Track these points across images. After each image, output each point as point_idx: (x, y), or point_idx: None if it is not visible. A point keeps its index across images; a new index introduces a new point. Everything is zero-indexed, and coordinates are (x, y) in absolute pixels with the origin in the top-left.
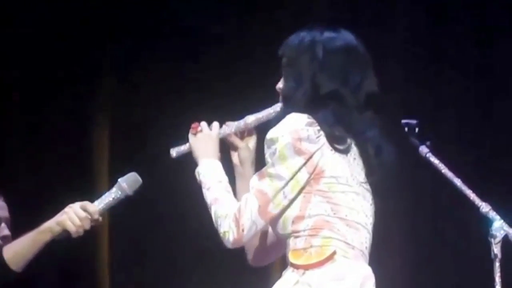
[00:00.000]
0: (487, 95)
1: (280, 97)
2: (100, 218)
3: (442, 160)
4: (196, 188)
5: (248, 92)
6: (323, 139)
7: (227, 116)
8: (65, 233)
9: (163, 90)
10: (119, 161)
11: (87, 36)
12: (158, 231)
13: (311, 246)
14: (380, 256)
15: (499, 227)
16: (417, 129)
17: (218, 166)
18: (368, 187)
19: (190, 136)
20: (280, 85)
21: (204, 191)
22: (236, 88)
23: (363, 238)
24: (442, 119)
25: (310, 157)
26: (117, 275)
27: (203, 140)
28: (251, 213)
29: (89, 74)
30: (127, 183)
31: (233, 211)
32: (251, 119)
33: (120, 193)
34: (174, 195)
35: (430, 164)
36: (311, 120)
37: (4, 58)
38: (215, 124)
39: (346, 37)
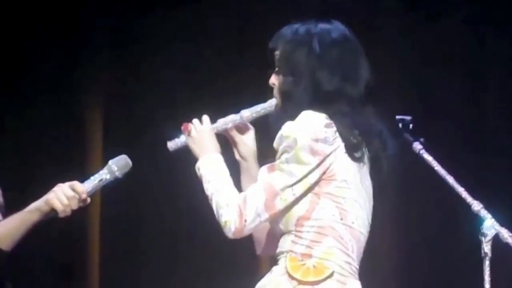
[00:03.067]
0: (481, 92)
1: (276, 92)
2: (88, 199)
3: (435, 157)
4: (189, 173)
5: (243, 87)
6: (338, 141)
7: (222, 108)
8: (53, 212)
9: (158, 76)
10: (113, 147)
11: (80, 26)
12: (150, 218)
13: (311, 257)
14: (369, 251)
15: (490, 225)
16: (411, 126)
17: (218, 159)
18: (371, 192)
19: (185, 136)
20: (273, 80)
21: (205, 184)
22: (233, 82)
23: (361, 249)
24: (435, 116)
25: (324, 159)
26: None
27: (199, 137)
28: (257, 205)
29: (83, 61)
30: (117, 165)
31: (236, 201)
32: (246, 113)
33: (109, 175)
34: (169, 180)
35: (423, 161)
36: (329, 121)
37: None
38: (205, 118)
39: (340, 28)
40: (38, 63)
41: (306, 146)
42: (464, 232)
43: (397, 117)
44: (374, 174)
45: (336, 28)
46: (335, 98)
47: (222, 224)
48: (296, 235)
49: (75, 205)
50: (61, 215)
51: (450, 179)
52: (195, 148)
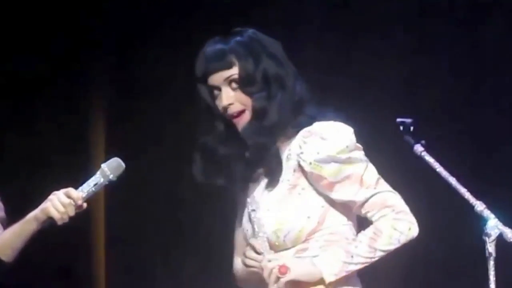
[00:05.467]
0: (482, 93)
1: (247, 112)
2: (85, 204)
3: (436, 158)
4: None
5: None
6: None
7: None
8: (50, 220)
9: (161, 73)
10: (115, 147)
11: (83, 22)
12: (153, 218)
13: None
14: None
15: (493, 225)
16: (412, 128)
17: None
18: None
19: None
20: (232, 99)
21: (355, 263)
22: None
23: None
24: (436, 118)
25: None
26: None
27: (297, 266)
28: (396, 198)
29: (86, 58)
30: (110, 168)
31: (387, 212)
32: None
33: (102, 179)
34: (170, 179)
35: (424, 162)
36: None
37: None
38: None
39: (259, 32)
40: (41, 63)
41: (358, 153)
42: (468, 233)
43: (398, 119)
44: None
45: (257, 32)
46: (306, 100)
47: (408, 234)
48: (302, 248)
49: (72, 212)
50: (59, 222)
51: (453, 180)
52: (304, 273)
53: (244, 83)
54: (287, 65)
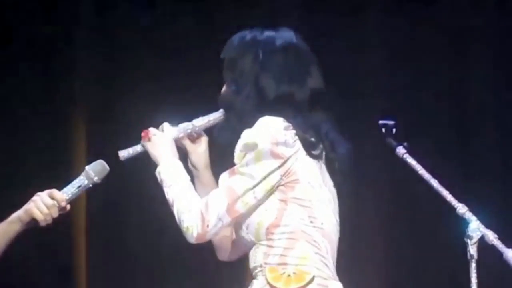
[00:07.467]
0: (464, 95)
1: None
2: (68, 206)
3: (419, 161)
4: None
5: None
6: (298, 144)
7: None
8: (34, 221)
9: (140, 81)
10: (96, 152)
11: (60, 29)
12: (135, 222)
13: (287, 264)
14: (354, 255)
15: (475, 228)
16: (394, 130)
17: (179, 165)
18: (335, 192)
19: (144, 143)
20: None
21: (166, 189)
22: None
23: (335, 249)
24: (418, 120)
25: (285, 161)
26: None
27: (159, 143)
28: (218, 210)
29: (64, 67)
30: (94, 170)
31: (198, 206)
32: (199, 122)
33: (87, 181)
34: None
35: (407, 165)
36: (287, 124)
37: None
38: (166, 124)
39: (286, 35)
40: (18, 71)
41: (267, 149)
42: (450, 235)
43: (380, 122)
44: (330, 175)
45: (281, 35)
46: (280, 104)
47: (184, 229)
48: (268, 245)
49: (55, 213)
50: (42, 224)
51: (435, 183)
52: (155, 153)
53: (224, 77)
54: (273, 63)
